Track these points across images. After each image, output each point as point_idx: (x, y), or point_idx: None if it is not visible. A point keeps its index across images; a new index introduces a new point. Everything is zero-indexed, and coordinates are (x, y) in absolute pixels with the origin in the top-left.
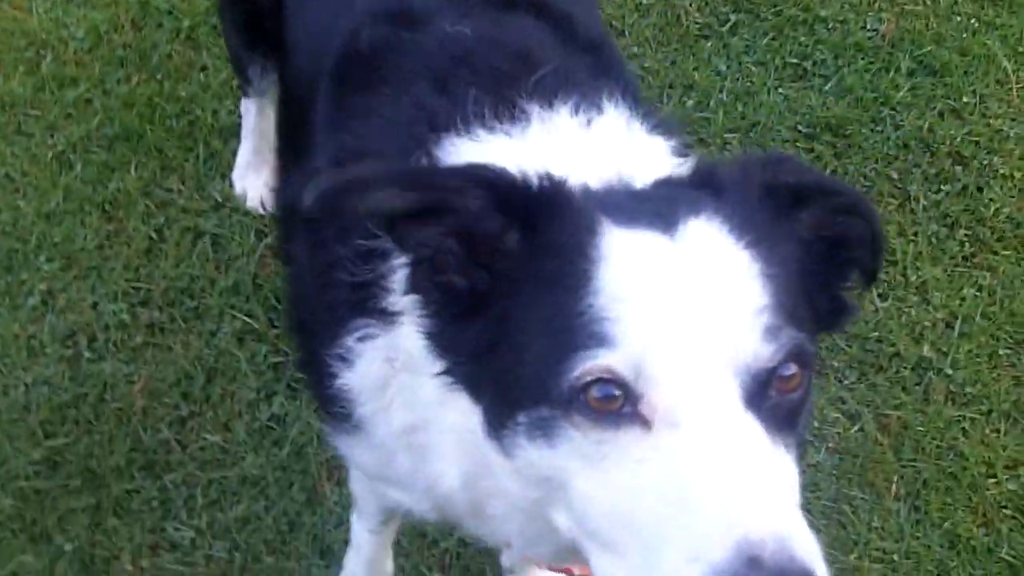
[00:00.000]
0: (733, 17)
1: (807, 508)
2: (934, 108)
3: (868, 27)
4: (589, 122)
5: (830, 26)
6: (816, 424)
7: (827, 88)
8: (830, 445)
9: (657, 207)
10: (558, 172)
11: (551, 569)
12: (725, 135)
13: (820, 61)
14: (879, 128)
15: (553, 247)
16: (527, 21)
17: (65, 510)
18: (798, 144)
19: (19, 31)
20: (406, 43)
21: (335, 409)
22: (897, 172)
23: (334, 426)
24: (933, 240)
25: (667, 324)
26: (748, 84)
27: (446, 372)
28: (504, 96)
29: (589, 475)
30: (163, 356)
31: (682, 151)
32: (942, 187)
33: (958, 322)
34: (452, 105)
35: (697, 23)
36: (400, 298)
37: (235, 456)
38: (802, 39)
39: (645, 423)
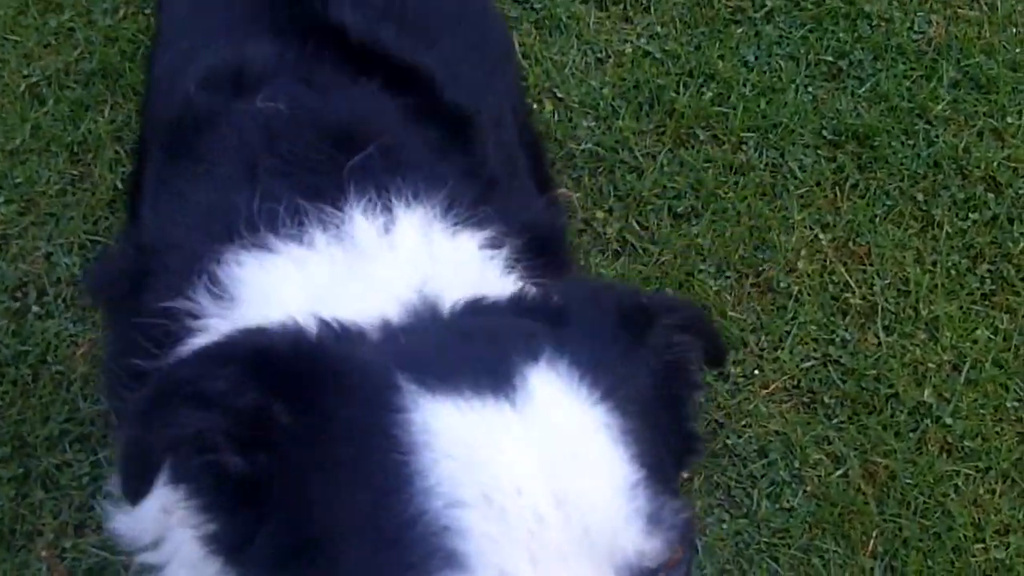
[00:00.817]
0: (770, 3)
1: (773, 556)
2: (974, 126)
3: (915, 28)
4: (385, 227)
5: (874, 23)
6: (796, 465)
7: (860, 92)
8: (807, 489)
9: (479, 354)
10: (336, 311)
11: None
12: (742, 134)
13: (857, 62)
14: (910, 142)
15: (342, 424)
16: (369, 89)
17: None
18: (819, 151)
19: None
20: (226, 116)
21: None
22: (923, 193)
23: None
24: (952, 272)
25: (530, 531)
26: (775, 80)
27: None
28: (305, 189)
29: None
30: None
31: (495, 242)
32: (970, 214)
33: (966, 366)
34: (245, 202)
35: (729, 7)
36: None
37: None
38: (841, 35)
39: None
